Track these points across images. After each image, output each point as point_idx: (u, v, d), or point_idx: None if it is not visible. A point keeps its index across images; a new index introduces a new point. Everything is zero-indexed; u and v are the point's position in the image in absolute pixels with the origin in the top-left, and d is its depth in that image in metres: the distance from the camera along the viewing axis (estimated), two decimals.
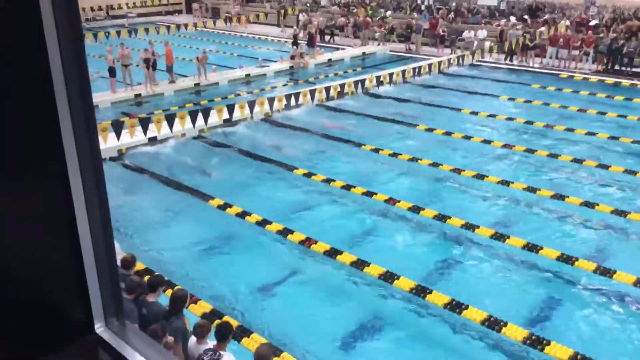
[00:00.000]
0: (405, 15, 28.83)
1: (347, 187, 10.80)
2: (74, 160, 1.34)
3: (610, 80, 19.24)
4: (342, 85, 17.08)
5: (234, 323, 6.59)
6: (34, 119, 1.27)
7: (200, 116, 13.36)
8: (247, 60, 22.65)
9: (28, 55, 1.23)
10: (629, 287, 7.58)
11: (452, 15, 26.81)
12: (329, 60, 23.45)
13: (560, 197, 10.22)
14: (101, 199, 1.42)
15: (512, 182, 10.91)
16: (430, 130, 14.45)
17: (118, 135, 12.30)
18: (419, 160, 12.21)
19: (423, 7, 29.64)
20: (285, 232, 9.05)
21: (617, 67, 20.29)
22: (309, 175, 11.52)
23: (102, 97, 17.06)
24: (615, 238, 9.13)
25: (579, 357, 6.18)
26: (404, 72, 19.16)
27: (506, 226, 9.42)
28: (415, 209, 9.82)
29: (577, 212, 9.86)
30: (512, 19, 25.39)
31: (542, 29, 22.89)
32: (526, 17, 25.81)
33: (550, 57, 21.40)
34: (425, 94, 18.10)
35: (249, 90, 19.01)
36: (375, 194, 10.44)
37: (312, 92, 16.13)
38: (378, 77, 18.18)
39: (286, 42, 26.20)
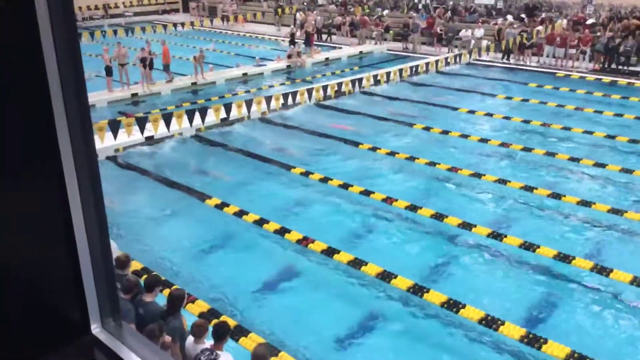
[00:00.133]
0: (402, 14, 28.84)
1: (345, 186, 10.80)
2: (70, 160, 1.33)
3: (607, 79, 19.28)
4: (340, 85, 17.08)
5: (232, 322, 6.60)
6: (30, 119, 1.27)
7: (197, 115, 13.34)
8: (244, 59, 22.63)
9: (24, 55, 1.23)
10: (625, 285, 7.60)
11: (449, 14, 26.82)
12: (326, 59, 23.44)
13: (557, 195, 10.25)
14: (97, 199, 1.42)
15: (509, 181, 10.92)
16: (427, 129, 14.46)
17: (115, 135, 12.28)
18: (416, 159, 12.22)
19: (420, 6, 29.63)
20: (282, 231, 9.05)
21: (613, 65, 20.34)
22: (306, 174, 11.52)
23: (99, 96, 17.01)
24: (612, 237, 9.15)
25: (575, 355, 6.20)
26: (401, 71, 19.16)
27: (503, 225, 9.43)
28: (413, 208, 9.83)
29: (573, 210, 9.88)
30: (509, 17, 25.41)
31: (539, 27, 22.93)
32: (523, 15, 25.83)
33: (547, 56, 21.44)
34: (423, 93, 18.12)
35: (246, 89, 18.99)
36: (373, 192, 10.44)
37: (310, 91, 16.13)
38: (375, 76, 18.18)
39: (283, 40, 26.18)
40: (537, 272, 8.12)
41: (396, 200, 10.09)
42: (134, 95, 17.67)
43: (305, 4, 33.26)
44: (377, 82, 18.26)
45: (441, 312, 7.12)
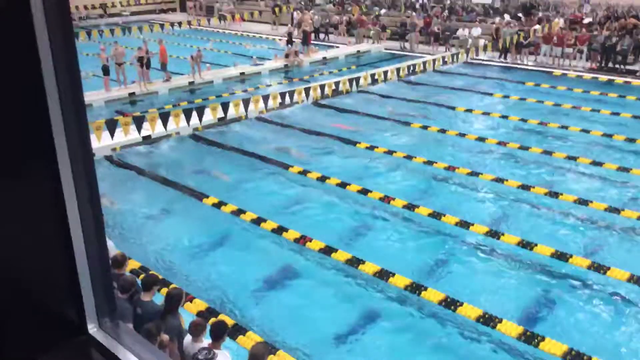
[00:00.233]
0: (399, 14, 28.83)
1: (342, 185, 10.80)
2: (66, 159, 1.33)
3: (603, 77, 19.31)
4: (337, 83, 17.07)
5: (230, 321, 6.59)
6: (25, 119, 1.26)
7: (194, 114, 13.32)
8: (241, 59, 22.60)
9: (19, 54, 1.22)
10: (622, 283, 7.62)
11: (446, 13, 26.83)
12: (324, 58, 23.42)
13: (554, 194, 10.27)
14: (93, 198, 1.41)
15: (507, 180, 10.93)
16: (424, 127, 14.47)
17: (112, 134, 12.25)
18: (413, 158, 12.23)
19: (417, 5, 29.62)
20: (280, 229, 9.04)
21: (610, 64, 20.36)
22: (304, 173, 11.52)
23: (96, 95, 16.98)
24: (609, 235, 9.17)
25: (573, 352, 6.21)
26: (398, 70, 19.16)
27: (500, 223, 9.45)
28: (410, 207, 9.83)
29: (571, 209, 9.90)
30: (507, 16, 25.41)
31: (537, 26, 22.94)
32: (520, 15, 25.85)
33: (544, 55, 21.45)
34: (420, 92, 18.12)
35: (243, 88, 18.96)
36: (370, 191, 10.45)
37: (307, 90, 16.12)
38: (373, 75, 18.18)
39: (280, 40, 26.15)
40: (535, 270, 8.14)
41: (394, 199, 10.10)
42: (132, 94, 17.64)
43: (302, 2, 33.22)
44: (374, 81, 18.25)
45: (439, 310, 7.13)
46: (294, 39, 23.42)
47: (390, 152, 12.63)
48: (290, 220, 9.53)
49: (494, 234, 8.87)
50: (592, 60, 20.68)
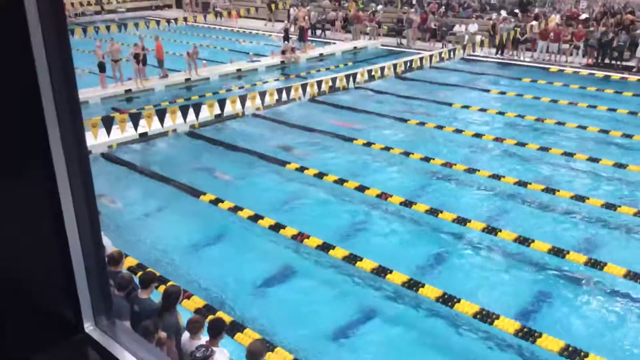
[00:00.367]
0: (396, 10, 28.80)
1: (340, 182, 10.80)
2: (61, 157, 1.32)
3: (600, 73, 19.33)
4: (334, 80, 17.05)
5: (227, 318, 6.60)
6: (19, 117, 1.25)
7: (191, 111, 13.29)
8: (237, 55, 22.55)
9: (12, 52, 1.21)
10: (619, 279, 7.65)
11: (443, 9, 26.80)
12: (321, 54, 23.38)
13: (550, 190, 10.29)
14: (89, 196, 1.41)
15: (503, 176, 10.95)
16: (421, 124, 14.47)
17: (108, 131, 12.22)
18: (410, 154, 12.23)
19: (414, 2, 29.58)
20: (277, 226, 9.04)
21: (607, 60, 20.39)
22: (301, 169, 11.51)
23: (92, 92, 16.91)
24: (605, 231, 9.20)
25: (570, 348, 6.24)
26: (395, 66, 19.15)
27: (497, 220, 9.46)
28: (407, 203, 9.84)
29: (567, 205, 9.92)
30: (503, 12, 25.41)
31: (533, 22, 22.94)
32: (517, 11, 25.84)
33: (541, 51, 21.45)
34: (417, 88, 18.11)
35: (240, 85, 18.93)
36: (368, 188, 10.45)
37: (304, 87, 16.09)
38: (369, 72, 18.16)
39: (276, 35, 26.08)
40: (532, 266, 8.16)
41: (391, 195, 10.10)
42: (128, 91, 17.59)
43: None
44: (371, 77, 18.24)
45: (436, 306, 7.14)
46: (290, 35, 23.36)
47: (387, 149, 12.63)
48: (287, 217, 9.53)
49: (492, 230, 8.89)
50: (588, 56, 20.70)
